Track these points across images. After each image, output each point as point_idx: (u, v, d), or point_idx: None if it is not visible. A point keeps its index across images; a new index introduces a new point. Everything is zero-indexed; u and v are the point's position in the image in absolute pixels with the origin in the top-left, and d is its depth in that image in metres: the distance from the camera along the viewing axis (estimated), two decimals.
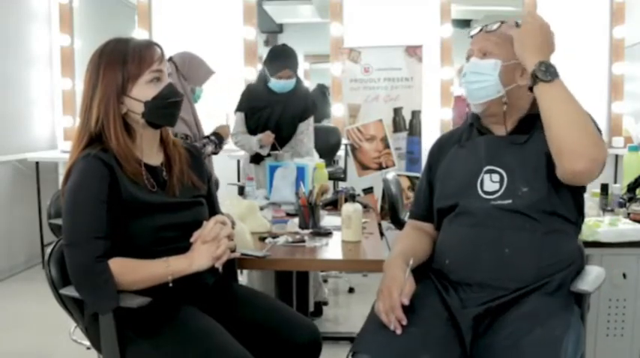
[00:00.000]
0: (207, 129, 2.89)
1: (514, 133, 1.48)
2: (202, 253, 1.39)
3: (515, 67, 1.45)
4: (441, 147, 1.63)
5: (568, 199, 1.41)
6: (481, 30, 1.50)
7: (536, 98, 1.37)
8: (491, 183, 1.45)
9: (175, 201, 1.49)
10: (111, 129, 1.41)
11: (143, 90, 1.42)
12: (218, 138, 2.81)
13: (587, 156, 1.30)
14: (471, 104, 1.52)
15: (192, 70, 2.78)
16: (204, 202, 1.58)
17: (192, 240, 1.41)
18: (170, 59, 2.75)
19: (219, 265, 1.41)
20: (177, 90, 1.50)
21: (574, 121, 1.32)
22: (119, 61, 1.41)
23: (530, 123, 1.47)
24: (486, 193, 1.44)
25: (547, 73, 1.34)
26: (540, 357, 1.23)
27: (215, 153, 2.83)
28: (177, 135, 2.65)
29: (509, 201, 1.41)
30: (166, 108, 1.46)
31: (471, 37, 1.53)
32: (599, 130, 1.37)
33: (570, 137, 1.31)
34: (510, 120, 1.48)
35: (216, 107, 3.24)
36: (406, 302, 1.32)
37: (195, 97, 2.88)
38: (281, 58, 3.07)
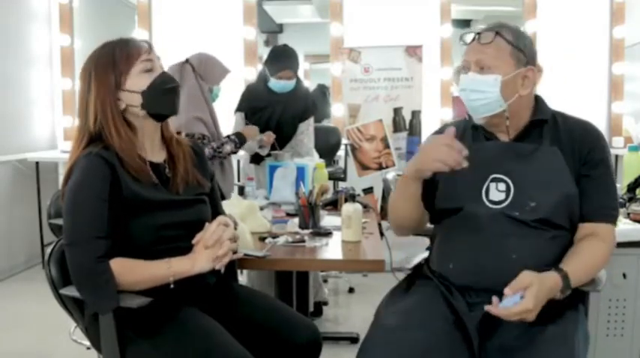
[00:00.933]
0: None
1: (519, 139, 1.47)
2: (204, 255, 1.39)
3: (515, 78, 1.41)
4: None
5: (574, 212, 1.41)
6: (474, 39, 1.44)
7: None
8: (497, 192, 1.43)
9: (178, 199, 1.49)
10: (111, 126, 1.41)
11: (137, 81, 1.43)
12: (239, 138, 2.81)
13: None
14: (472, 116, 1.50)
15: (209, 70, 2.81)
16: (207, 200, 1.58)
17: (194, 241, 1.41)
18: (187, 61, 2.78)
19: (220, 266, 1.41)
20: (172, 77, 1.49)
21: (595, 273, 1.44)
22: (109, 62, 1.42)
23: (536, 130, 1.46)
24: (492, 202, 1.43)
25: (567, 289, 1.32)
26: (555, 355, 1.24)
27: (234, 152, 2.84)
28: (195, 135, 2.66)
29: (517, 214, 1.41)
30: (164, 95, 1.46)
31: (465, 44, 1.47)
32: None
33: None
34: (513, 128, 1.47)
35: (215, 107, 3.23)
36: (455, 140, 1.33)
37: (214, 96, 2.90)
38: (282, 58, 3.06)
